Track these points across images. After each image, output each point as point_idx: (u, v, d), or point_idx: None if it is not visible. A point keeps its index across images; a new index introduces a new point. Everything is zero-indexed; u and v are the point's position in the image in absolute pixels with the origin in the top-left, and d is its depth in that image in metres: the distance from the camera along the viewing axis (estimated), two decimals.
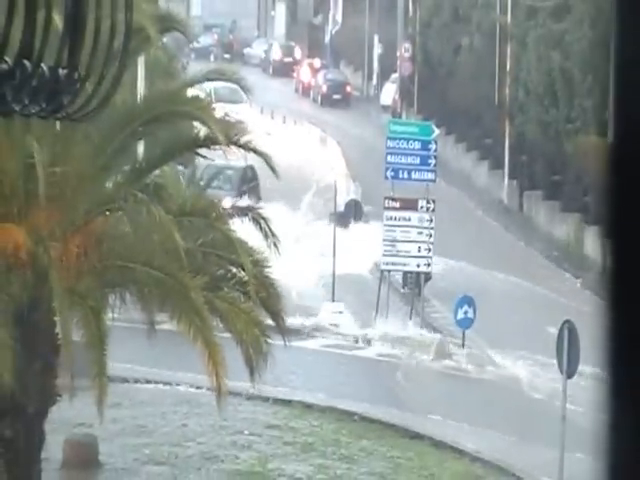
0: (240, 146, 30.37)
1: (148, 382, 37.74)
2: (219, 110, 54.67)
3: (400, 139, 49.76)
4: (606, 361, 1.62)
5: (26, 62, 5.68)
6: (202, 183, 40.58)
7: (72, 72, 5.98)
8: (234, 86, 58.81)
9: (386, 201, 48.39)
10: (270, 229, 29.38)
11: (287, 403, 37.97)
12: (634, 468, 1.84)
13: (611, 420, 1.67)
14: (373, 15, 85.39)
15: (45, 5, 5.93)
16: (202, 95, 35.65)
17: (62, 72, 5.92)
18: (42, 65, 5.78)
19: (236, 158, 40.35)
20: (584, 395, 32.29)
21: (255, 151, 31.37)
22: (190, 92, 32.04)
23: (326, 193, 56.53)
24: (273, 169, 30.66)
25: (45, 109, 6.16)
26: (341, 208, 55.70)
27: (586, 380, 34.05)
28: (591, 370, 34.62)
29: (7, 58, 5.67)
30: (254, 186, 49.24)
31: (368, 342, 44.65)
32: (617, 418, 1.69)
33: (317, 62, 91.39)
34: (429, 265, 47.30)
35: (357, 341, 44.53)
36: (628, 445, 1.81)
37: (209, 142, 28.79)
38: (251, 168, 47.64)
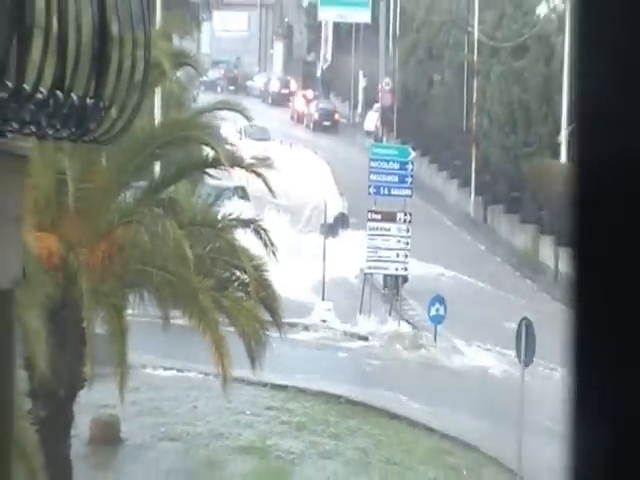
0: (242, 167, 30.67)
1: (164, 369, 37.52)
2: (248, 147, 52.49)
3: (381, 160, 49.97)
4: (567, 358, 1.57)
5: (59, 93, 5.72)
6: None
7: (98, 101, 6.00)
8: (262, 125, 58.44)
9: (369, 214, 48.59)
10: (269, 238, 29.47)
11: (283, 388, 37.80)
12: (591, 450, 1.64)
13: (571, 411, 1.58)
14: (358, 53, 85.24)
15: (75, 43, 5.91)
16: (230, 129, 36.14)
17: (89, 101, 5.93)
18: (72, 95, 5.80)
19: (238, 179, 40.01)
20: (537, 382, 32.37)
21: (255, 172, 31.32)
22: (203, 120, 31.72)
23: (317, 207, 56.34)
24: (270, 189, 30.69)
25: (74, 133, 6.16)
26: (330, 220, 55.26)
27: (537, 368, 33.94)
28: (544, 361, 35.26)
29: (42, 89, 5.67)
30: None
31: (352, 336, 44.59)
32: (575, 408, 1.59)
33: (310, 93, 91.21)
34: (406, 269, 47.30)
35: (345, 334, 44.45)
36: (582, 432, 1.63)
37: (216, 163, 28.93)
38: (242, 189, 47.01)
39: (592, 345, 1.56)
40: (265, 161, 34.94)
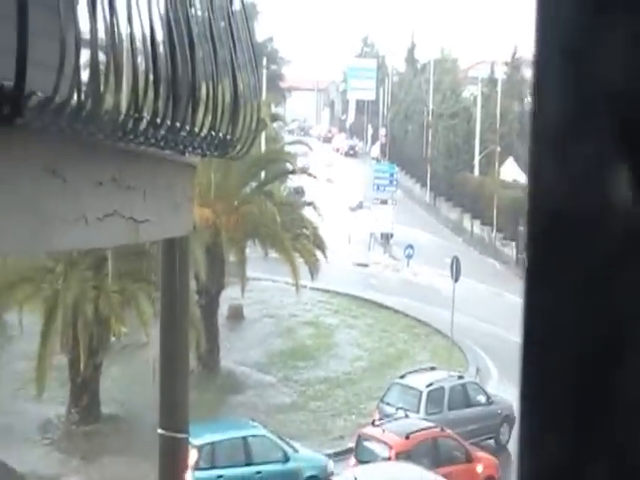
0: (308, 174, 36.12)
1: (265, 281, 37.97)
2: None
3: (379, 171, 55.01)
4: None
5: (213, 132, 5.35)
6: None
7: (233, 137, 5.68)
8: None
9: (373, 200, 53.14)
10: (319, 214, 32.34)
11: (327, 291, 39.04)
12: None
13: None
14: (367, 115, 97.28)
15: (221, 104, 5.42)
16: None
17: (229, 137, 5.62)
18: (220, 134, 5.45)
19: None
20: (461, 290, 31.98)
21: (315, 177, 36.52)
22: (287, 149, 34.77)
23: (348, 197, 60.48)
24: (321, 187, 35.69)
25: (220, 154, 5.94)
26: (354, 204, 59.55)
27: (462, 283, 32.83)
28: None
29: (197, 129, 5.15)
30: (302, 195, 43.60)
31: (361, 265, 46.53)
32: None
33: (342, 136, 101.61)
34: (392, 230, 50.92)
35: (357, 264, 46.42)
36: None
37: (293, 172, 33.00)
38: (301, 188, 44.30)
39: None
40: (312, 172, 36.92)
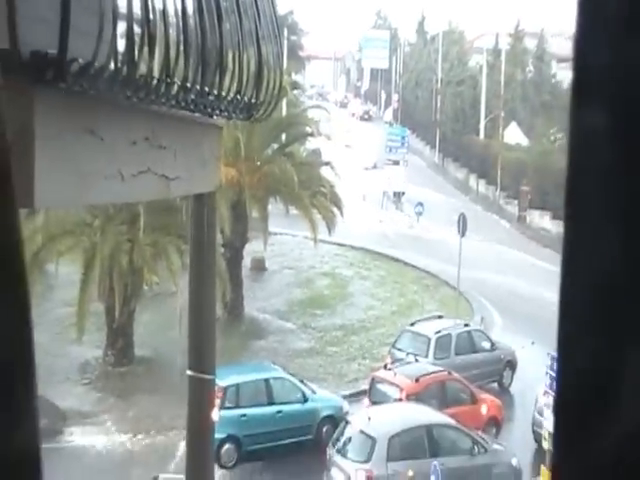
0: (326, 137, 36.07)
1: (285, 235, 38.04)
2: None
3: (392, 134, 54.95)
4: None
5: (238, 96, 5.33)
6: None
7: (258, 101, 5.66)
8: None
9: (386, 161, 53.17)
10: (337, 173, 32.24)
11: (342, 245, 38.82)
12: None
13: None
14: (381, 82, 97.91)
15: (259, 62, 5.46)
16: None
17: (254, 100, 5.61)
18: (245, 97, 5.42)
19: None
20: (468, 245, 32.45)
21: (330, 139, 37.12)
22: (306, 113, 34.49)
23: (363, 158, 60.48)
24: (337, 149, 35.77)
25: (246, 117, 5.88)
26: (368, 165, 59.39)
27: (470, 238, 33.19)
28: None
29: (230, 94, 5.19)
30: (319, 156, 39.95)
31: (376, 220, 46.44)
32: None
33: (357, 101, 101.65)
34: (403, 189, 50.85)
35: (375, 220, 46.23)
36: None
37: (313, 135, 32.84)
38: (319, 150, 40.95)
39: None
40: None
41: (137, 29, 3.66)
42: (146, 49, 3.66)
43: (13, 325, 0.66)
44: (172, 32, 4.24)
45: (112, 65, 3.40)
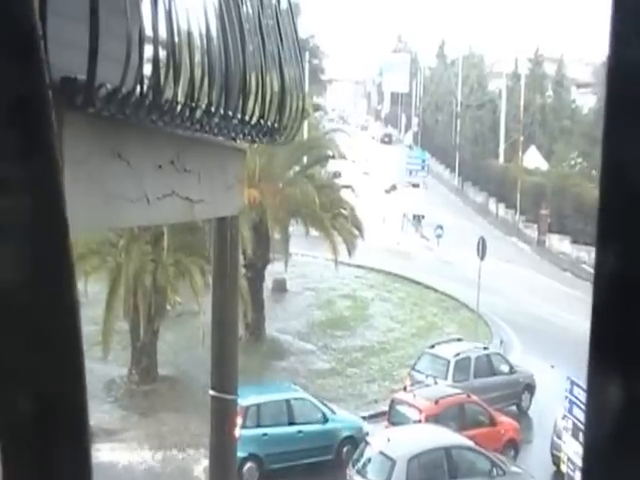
0: (346, 160, 37.22)
1: (306, 256, 37.75)
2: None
3: (412, 157, 57.40)
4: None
5: (262, 121, 5.32)
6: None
7: (281, 126, 5.67)
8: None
9: (406, 183, 55.10)
10: (356, 195, 32.59)
11: (362, 266, 38.49)
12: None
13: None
14: (401, 105, 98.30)
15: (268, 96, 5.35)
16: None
17: (277, 125, 5.58)
18: (268, 122, 5.41)
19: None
20: (489, 268, 31.67)
21: (352, 162, 38.03)
22: (327, 136, 34.81)
23: (383, 181, 60.25)
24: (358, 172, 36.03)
25: (268, 141, 5.86)
26: (388, 187, 59.23)
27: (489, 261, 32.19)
28: None
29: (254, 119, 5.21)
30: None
31: (395, 243, 46.17)
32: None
33: (378, 125, 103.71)
34: (423, 212, 50.54)
35: (395, 243, 45.96)
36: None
37: (333, 157, 33.19)
38: (339, 172, 40.22)
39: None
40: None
41: (162, 53, 3.68)
42: (171, 73, 3.70)
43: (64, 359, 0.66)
44: (196, 56, 4.28)
45: (138, 90, 3.42)
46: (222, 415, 7.92)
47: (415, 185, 52.84)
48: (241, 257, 21.35)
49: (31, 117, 0.66)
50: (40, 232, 0.67)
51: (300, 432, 21.58)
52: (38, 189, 0.66)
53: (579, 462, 15.32)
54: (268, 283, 32.32)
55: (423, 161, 54.62)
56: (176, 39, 3.77)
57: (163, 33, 3.65)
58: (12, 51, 0.69)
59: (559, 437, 19.02)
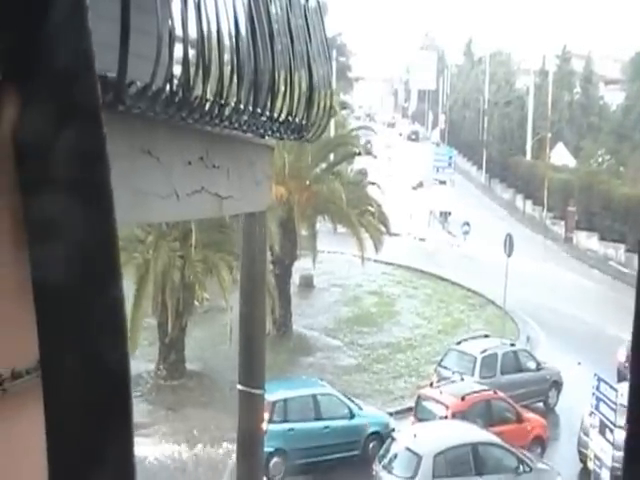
0: (374, 156, 38.38)
1: (333, 253, 37.61)
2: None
3: (439, 154, 56.69)
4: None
5: (290, 118, 5.36)
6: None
7: (308, 123, 5.70)
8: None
9: (433, 180, 54.79)
10: (383, 192, 32.48)
11: (390, 263, 38.82)
12: None
13: None
14: (428, 102, 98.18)
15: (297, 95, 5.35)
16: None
17: (304, 122, 5.63)
18: (296, 119, 5.45)
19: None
20: (515, 264, 30.99)
21: (375, 157, 37.73)
22: (354, 133, 34.70)
23: (410, 178, 59.74)
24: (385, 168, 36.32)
25: (296, 138, 5.86)
26: (415, 184, 58.77)
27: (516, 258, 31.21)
28: None
29: (282, 116, 5.24)
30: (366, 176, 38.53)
31: (422, 240, 46.13)
32: None
33: (405, 122, 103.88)
34: (450, 209, 50.75)
35: (422, 239, 46.31)
36: None
37: (360, 154, 33.52)
38: (365, 169, 40.17)
39: None
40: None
41: (192, 51, 3.69)
42: (201, 71, 3.70)
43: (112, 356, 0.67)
44: (226, 54, 4.28)
45: (168, 88, 3.43)
46: (249, 410, 7.99)
47: (442, 182, 52.50)
48: (268, 253, 21.43)
49: (79, 118, 0.67)
50: (88, 229, 0.68)
51: (327, 427, 21.59)
52: (87, 188, 0.66)
53: (606, 459, 15.88)
54: (295, 279, 32.29)
55: (450, 158, 54.14)
56: (205, 38, 3.79)
57: (193, 33, 3.66)
58: None
59: (586, 434, 19.00)
